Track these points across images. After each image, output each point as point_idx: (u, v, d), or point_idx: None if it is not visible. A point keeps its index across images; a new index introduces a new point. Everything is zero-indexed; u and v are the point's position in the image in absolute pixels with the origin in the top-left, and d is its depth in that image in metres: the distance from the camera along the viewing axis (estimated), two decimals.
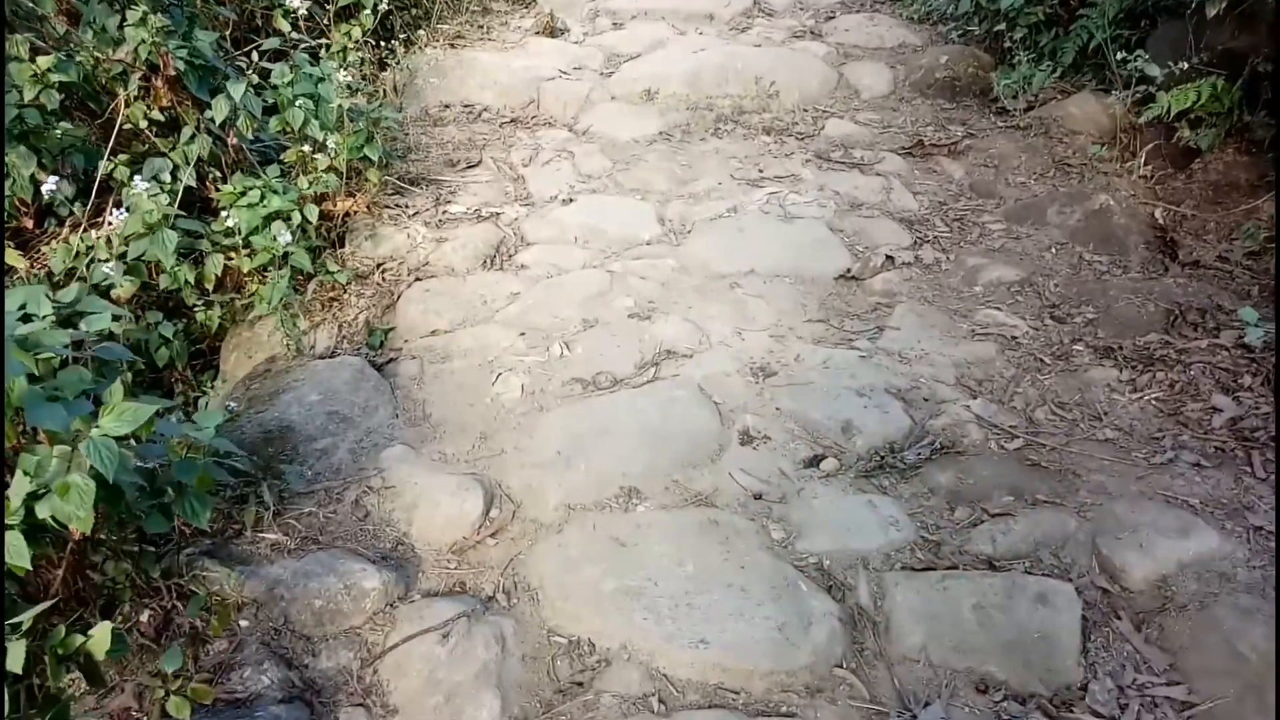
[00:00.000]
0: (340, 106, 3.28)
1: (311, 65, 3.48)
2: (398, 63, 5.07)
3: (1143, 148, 4.11)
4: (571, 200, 3.86)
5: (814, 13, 6.00)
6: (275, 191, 3.24)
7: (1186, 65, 4.09)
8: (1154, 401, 2.61)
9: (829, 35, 5.59)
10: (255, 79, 3.29)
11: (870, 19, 5.78)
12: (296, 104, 3.33)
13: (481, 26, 5.69)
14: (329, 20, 4.86)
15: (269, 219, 3.18)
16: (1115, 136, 4.30)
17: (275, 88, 3.37)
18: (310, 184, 3.21)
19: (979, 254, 3.48)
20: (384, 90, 4.72)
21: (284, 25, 3.48)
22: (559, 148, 4.38)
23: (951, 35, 5.39)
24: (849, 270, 3.36)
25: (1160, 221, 3.66)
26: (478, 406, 2.66)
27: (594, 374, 2.76)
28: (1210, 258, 3.40)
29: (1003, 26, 4.91)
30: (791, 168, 4.18)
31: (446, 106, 4.81)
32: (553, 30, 5.64)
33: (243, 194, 3.24)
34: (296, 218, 3.13)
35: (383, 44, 5.28)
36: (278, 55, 3.80)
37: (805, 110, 4.78)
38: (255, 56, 3.34)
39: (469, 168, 4.14)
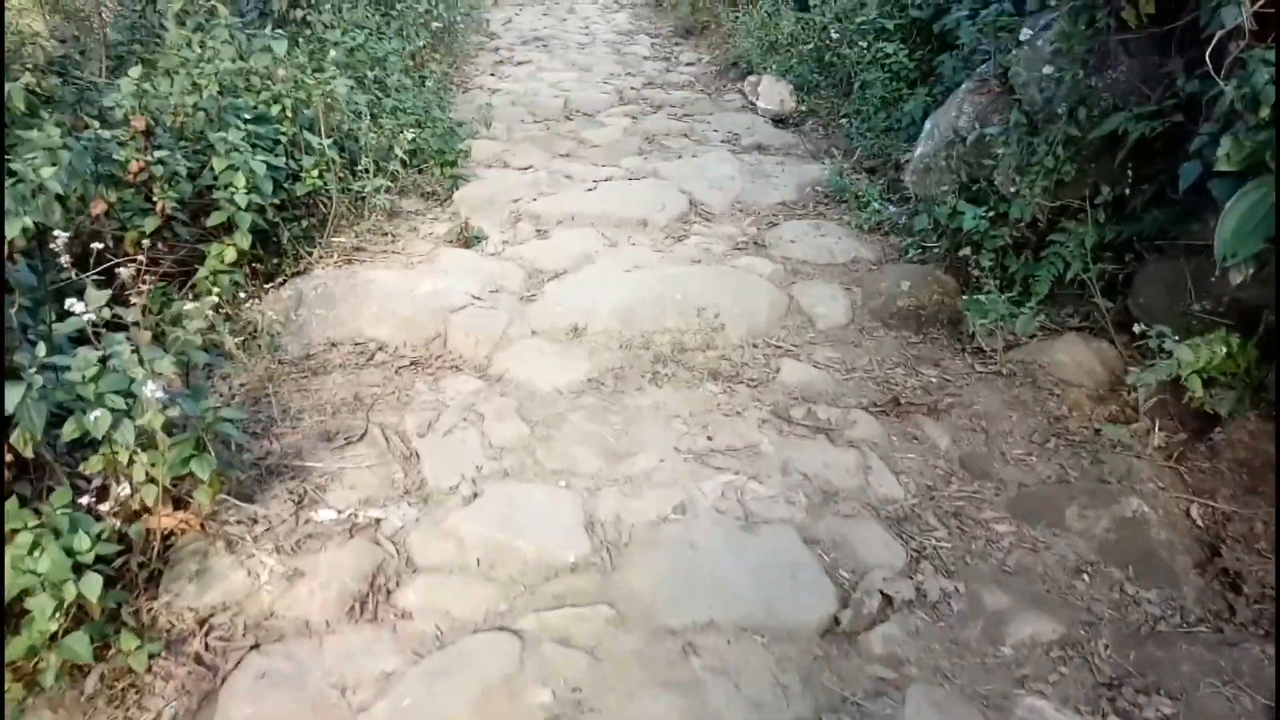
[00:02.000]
0: (154, 419, 2.35)
1: (132, 351, 2.56)
2: (277, 289, 4.21)
3: (1146, 400, 3.44)
4: (476, 495, 2.96)
5: (755, 217, 5.39)
6: (56, 533, 2.27)
7: (1185, 313, 3.50)
8: None
9: (773, 247, 4.94)
10: (39, 380, 2.35)
11: (816, 227, 5.17)
12: (99, 408, 2.39)
13: (386, 234, 4.90)
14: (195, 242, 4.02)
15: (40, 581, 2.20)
16: (1113, 388, 3.64)
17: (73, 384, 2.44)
18: (94, 544, 2.24)
19: (993, 578, 2.67)
20: (257, 329, 3.82)
21: (87, 301, 2.56)
22: (466, 405, 3.51)
23: (909, 251, 4.79)
24: (836, 618, 2.49)
25: (1200, 523, 2.92)
26: None
27: None
28: None
29: (967, 251, 4.30)
30: (746, 433, 3.37)
31: (334, 345, 3.92)
32: (467, 240, 4.87)
33: (13, 534, 2.26)
34: (70, 590, 2.15)
35: (264, 263, 4.44)
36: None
37: (755, 346, 4.03)
38: (42, 350, 2.41)
39: (349, 443, 3.22)
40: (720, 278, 4.39)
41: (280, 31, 4.64)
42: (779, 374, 3.81)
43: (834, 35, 6.91)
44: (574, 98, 7.85)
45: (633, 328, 4.00)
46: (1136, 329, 3.41)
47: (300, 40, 6.62)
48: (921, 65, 6.70)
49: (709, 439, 3.35)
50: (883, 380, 3.78)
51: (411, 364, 3.83)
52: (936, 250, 4.65)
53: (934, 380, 3.78)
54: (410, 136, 4.83)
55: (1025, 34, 4.28)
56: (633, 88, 8.28)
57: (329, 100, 4.70)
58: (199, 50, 4.33)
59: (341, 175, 4.83)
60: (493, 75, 8.64)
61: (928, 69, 6.69)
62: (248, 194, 4.01)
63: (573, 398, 3.60)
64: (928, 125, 5.13)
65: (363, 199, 4.83)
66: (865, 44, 6.78)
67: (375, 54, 6.68)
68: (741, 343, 4.04)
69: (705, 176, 5.86)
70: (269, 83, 4.52)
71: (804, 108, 7.18)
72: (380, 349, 3.93)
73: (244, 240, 4.06)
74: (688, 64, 9.27)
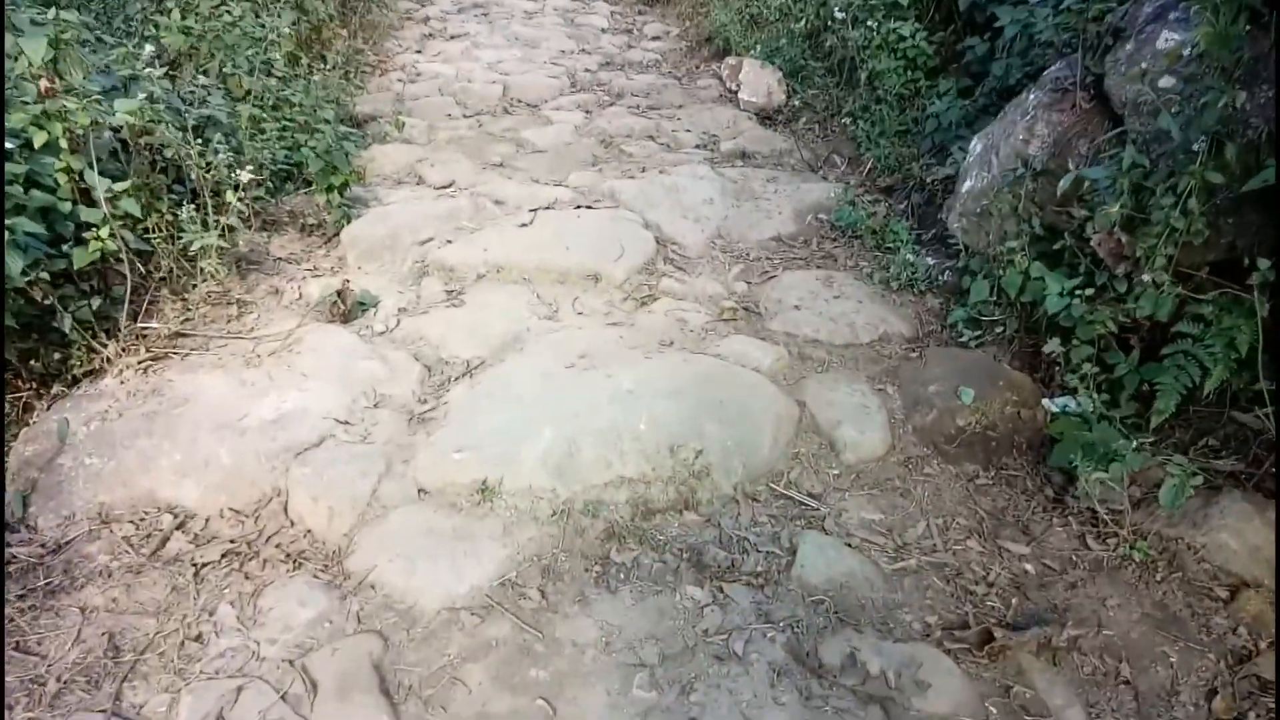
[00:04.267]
0: None
1: None
2: (48, 409, 2.74)
3: None
4: None
5: (744, 264, 3.96)
6: None
7: None
8: None
9: (772, 315, 3.53)
10: None
11: (827, 281, 3.76)
12: None
13: (232, 303, 3.41)
14: None
15: None
16: None
17: None
18: None
19: None
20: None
21: None
22: (292, 652, 2.10)
23: (958, 326, 3.40)
24: None
25: None
26: None
27: None
28: None
29: (1055, 344, 2.93)
30: (752, 708, 2.00)
31: (106, 522, 2.47)
32: (348, 310, 3.40)
33: None
34: None
35: (40, 359, 2.97)
36: None
37: (758, 500, 2.66)
38: None
39: None
40: (702, 385, 2.97)
41: (57, 14, 3.07)
42: (795, 558, 2.44)
43: (837, 14, 5.42)
44: (515, 83, 6.31)
45: (573, 480, 2.59)
46: None
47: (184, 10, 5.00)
48: (943, 50, 5.28)
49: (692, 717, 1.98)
50: (954, 572, 2.42)
51: (224, 557, 2.39)
52: (1001, 330, 3.27)
53: (1030, 570, 2.44)
54: (246, 177, 3.30)
55: (1154, 58, 2.86)
56: (587, 69, 6.75)
57: (146, 119, 3.16)
58: None
59: (171, 218, 3.33)
60: (419, 53, 7.04)
61: (950, 55, 5.27)
62: None
63: (472, 627, 2.20)
64: (977, 147, 3.72)
65: (192, 258, 3.33)
66: (874, 23, 5.32)
67: (255, 34, 5.09)
68: (736, 494, 2.67)
69: (677, 200, 4.41)
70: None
71: (797, 101, 5.72)
72: (181, 525, 2.48)
73: None
74: (653, 38, 7.73)
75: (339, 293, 3.40)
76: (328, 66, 5.70)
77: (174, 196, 3.46)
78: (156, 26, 4.69)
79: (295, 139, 4.41)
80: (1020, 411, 2.94)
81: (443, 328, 3.35)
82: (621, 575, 2.38)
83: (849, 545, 2.50)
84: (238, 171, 3.21)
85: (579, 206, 4.32)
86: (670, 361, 3.10)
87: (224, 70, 4.52)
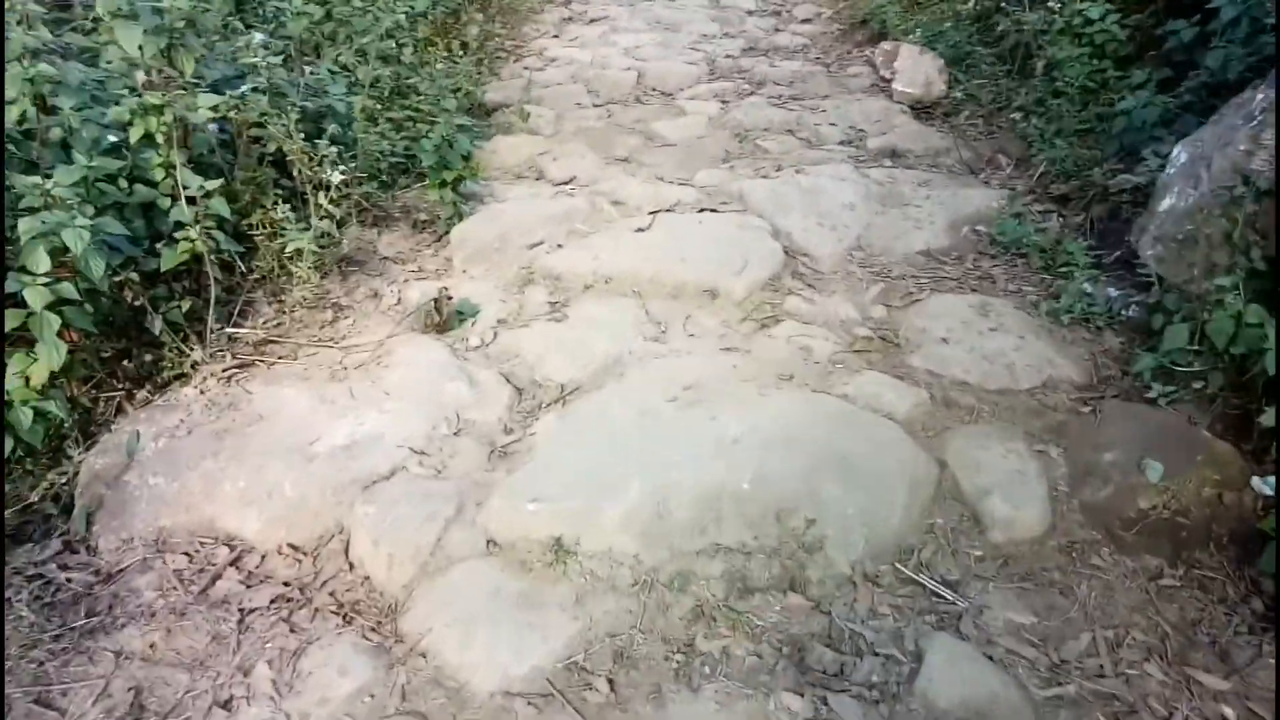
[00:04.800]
0: None
1: None
2: (139, 409, 2.63)
3: None
4: None
5: (884, 283, 3.46)
6: None
7: None
8: None
9: (913, 348, 3.03)
10: None
11: (982, 309, 3.21)
12: None
13: (329, 306, 3.24)
14: None
15: None
16: None
17: None
18: None
19: None
20: (80, 492, 2.26)
21: None
22: None
23: (1145, 376, 2.80)
24: None
25: None
26: None
27: None
28: None
29: (1271, 415, 2.31)
30: None
31: (160, 550, 2.32)
32: (444, 320, 3.16)
33: None
34: None
35: (132, 359, 2.89)
36: None
37: (879, 584, 2.21)
38: None
39: None
40: (822, 433, 2.53)
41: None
42: (921, 668, 1.99)
43: None
44: (651, 70, 5.95)
45: (660, 546, 2.23)
46: None
47: None
48: (1138, 36, 4.53)
49: None
50: (1125, 709, 1.91)
51: (273, 603, 2.18)
52: (1202, 386, 2.65)
53: (1229, 715, 1.89)
54: (337, 178, 3.09)
55: None
56: (728, 55, 6.31)
57: (259, 114, 3.02)
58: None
59: (276, 215, 3.18)
60: (556, 37, 6.79)
61: (1146, 41, 4.53)
62: (49, 283, 2.41)
63: None
64: (1181, 156, 3.06)
65: (290, 258, 3.17)
66: (1056, 4, 4.63)
67: (386, 19, 4.94)
68: (853, 574, 2.23)
69: (814, 204, 3.95)
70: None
71: (958, 93, 5.08)
72: (235, 561, 2.30)
73: (53, 356, 2.47)
74: (803, 21, 7.18)
75: (435, 301, 3.16)
76: (460, 52, 5.54)
77: (280, 192, 3.33)
78: (295, 14, 4.59)
79: (418, 129, 4.25)
80: (1222, 495, 2.35)
81: (541, 345, 3.06)
82: (707, 669, 2.01)
83: (990, 657, 2.03)
84: (330, 172, 3.01)
85: (702, 210, 3.93)
86: (787, 401, 2.68)
87: (349, 58, 4.39)
